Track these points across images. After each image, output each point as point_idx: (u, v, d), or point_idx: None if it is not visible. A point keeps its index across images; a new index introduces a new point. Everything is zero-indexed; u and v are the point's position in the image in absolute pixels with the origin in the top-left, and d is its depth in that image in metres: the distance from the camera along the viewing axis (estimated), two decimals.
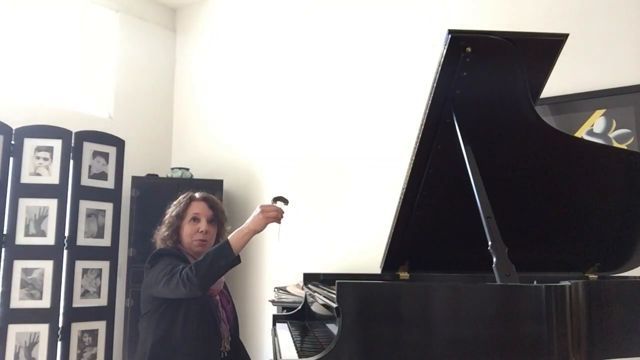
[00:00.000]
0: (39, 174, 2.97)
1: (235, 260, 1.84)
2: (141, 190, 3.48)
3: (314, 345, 1.66)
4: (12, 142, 2.94)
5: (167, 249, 2.04)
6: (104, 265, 3.15)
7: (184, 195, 2.15)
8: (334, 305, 1.16)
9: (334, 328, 1.34)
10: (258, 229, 1.87)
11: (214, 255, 1.82)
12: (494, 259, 1.26)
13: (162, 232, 2.10)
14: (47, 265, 2.92)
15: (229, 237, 1.86)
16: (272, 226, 1.93)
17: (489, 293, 1.19)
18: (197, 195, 2.16)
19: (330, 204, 3.37)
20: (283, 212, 1.93)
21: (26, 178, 2.94)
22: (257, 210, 1.90)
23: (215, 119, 4.02)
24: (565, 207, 1.77)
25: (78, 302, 3.00)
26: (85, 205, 3.09)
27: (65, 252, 2.99)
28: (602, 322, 1.25)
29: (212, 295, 2.03)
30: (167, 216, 2.12)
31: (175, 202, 2.15)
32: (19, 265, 2.86)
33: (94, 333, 3.07)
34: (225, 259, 1.81)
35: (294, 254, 3.48)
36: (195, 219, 2.09)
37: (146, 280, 1.97)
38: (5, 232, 2.86)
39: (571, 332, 1.16)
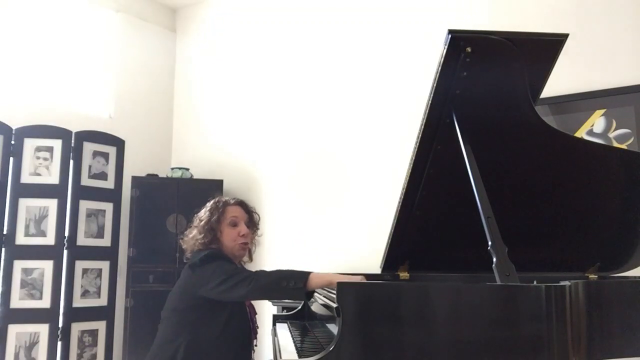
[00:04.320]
0: (39, 174, 2.97)
1: (301, 291, 1.68)
2: (141, 190, 3.48)
3: (314, 345, 1.66)
4: (12, 142, 2.94)
5: (220, 252, 1.99)
6: (104, 265, 3.15)
7: (215, 201, 2.09)
8: (334, 305, 1.16)
9: (334, 328, 1.35)
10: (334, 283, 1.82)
11: (287, 275, 1.71)
12: (494, 259, 1.26)
13: (197, 238, 2.02)
14: (47, 265, 2.92)
15: (312, 273, 1.72)
16: None
17: (489, 293, 1.19)
18: (230, 200, 2.11)
19: (330, 204, 3.37)
20: None
21: (26, 178, 2.94)
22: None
23: (215, 119, 4.02)
24: (565, 207, 1.77)
25: (78, 302, 3.00)
26: (85, 205, 3.09)
27: (65, 252, 2.99)
28: (602, 322, 1.25)
29: (246, 302, 2.01)
30: (202, 222, 2.04)
31: (208, 208, 2.07)
32: (19, 265, 2.86)
33: (94, 333, 3.07)
34: (295, 282, 1.68)
35: (294, 254, 3.48)
36: (234, 224, 2.04)
37: (192, 279, 1.89)
38: (5, 232, 2.86)
39: (571, 332, 1.16)
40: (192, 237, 2.06)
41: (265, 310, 3.49)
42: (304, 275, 1.68)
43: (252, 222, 2.12)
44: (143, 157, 3.90)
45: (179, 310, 1.93)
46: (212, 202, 2.11)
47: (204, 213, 2.08)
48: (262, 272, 1.78)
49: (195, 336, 1.86)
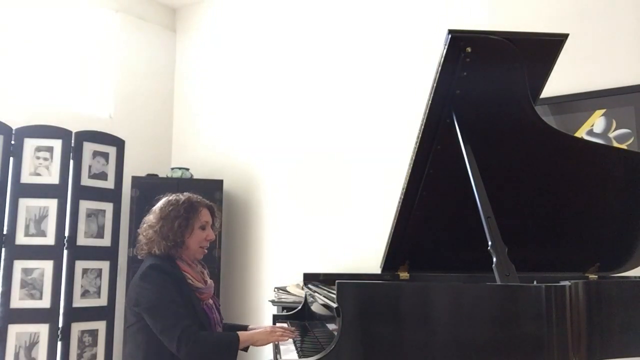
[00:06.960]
0: (39, 174, 2.97)
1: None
2: (141, 190, 3.48)
3: (314, 345, 1.66)
4: (12, 142, 2.94)
5: (162, 265, 1.91)
6: (104, 265, 3.15)
7: (186, 200, 2.02)
8: (334, 305, 1.16)
9: (334, 328, 1.35)
10: (258, 345, 1.92)
11: (221, 346, 1.82)
12: (494, 259, 1.26)
13: (161, 239, 1.96)
14: (47, 265, 2.92)
15: (241, 336, 1.84)
16: None
17: (489, 293, 1.19)
18: (203, 201, 2.07)
19: (330, 204, 3.37)
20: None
21: (26, 178, 2.94)
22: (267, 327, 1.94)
23: (215, 119, 4.02)
24: (565, 207, 1.77)
25: (78, 302, 3.00)
26: (85, 205, 3.09)
27: (65, 252, 2.99)
28: (602, 322, 1.25)
29: (205, 299, 1.99)
30: (174, 223, 1.97)
31: (183, 206, 2.00)
32: (19, 265, 2.86)
33: (94, 333, 3.07)
34: (228, 353, 1.82)
35: (294, 254, 3.48)
36: (203, 227, 2.03)
37: (138, 296, 1.87)
38: (5, 232, 2.86)
39: (571, 332, 1.16)
40: (150, 238, 1.98)
41: (266, 310, 3.49)
42: (236, 347, 1.81)
43: (214, 226, 2.11)
44: (143, 157, 3.90)
45: (136, 322, 1.90)
46: (183, 199, 2.03)
47: (175, 211, 1.99)
48: (203, 342, 1.79)
49: (156, 344, 1.84)
